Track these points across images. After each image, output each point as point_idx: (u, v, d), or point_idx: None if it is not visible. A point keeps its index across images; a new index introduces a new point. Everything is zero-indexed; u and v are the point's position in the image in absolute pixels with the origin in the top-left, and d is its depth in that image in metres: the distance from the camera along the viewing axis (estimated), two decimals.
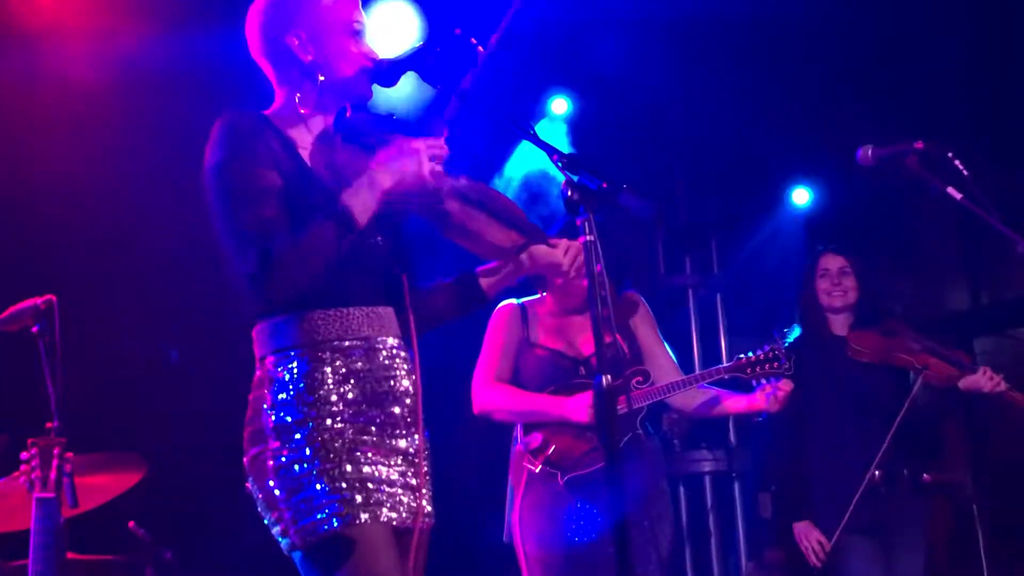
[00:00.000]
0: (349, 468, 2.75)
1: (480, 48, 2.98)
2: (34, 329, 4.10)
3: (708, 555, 7.65)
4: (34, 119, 5.71)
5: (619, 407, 4.42)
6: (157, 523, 4.89)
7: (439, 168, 2.82)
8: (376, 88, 2.99)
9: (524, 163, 7.16)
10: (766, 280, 7.81)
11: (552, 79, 7.49)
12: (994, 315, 8.37)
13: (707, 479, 7.77)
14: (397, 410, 2.88)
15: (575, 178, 2.83)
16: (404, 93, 4.71)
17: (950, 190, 3.92)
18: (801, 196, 8.16)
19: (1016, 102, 7.23)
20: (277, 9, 2.93)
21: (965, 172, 3.87)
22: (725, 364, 4.83)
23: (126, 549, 4.82)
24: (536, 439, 4.66)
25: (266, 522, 2.82)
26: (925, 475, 5.18)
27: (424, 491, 2.89)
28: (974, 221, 3.89)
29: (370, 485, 2.77)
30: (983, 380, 5.01)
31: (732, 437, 7.82)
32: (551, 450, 4.62)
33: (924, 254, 8.46)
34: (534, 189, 6.97)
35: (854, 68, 7.30)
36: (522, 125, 2.98)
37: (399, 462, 2.85)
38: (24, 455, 3.87)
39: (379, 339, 2.88)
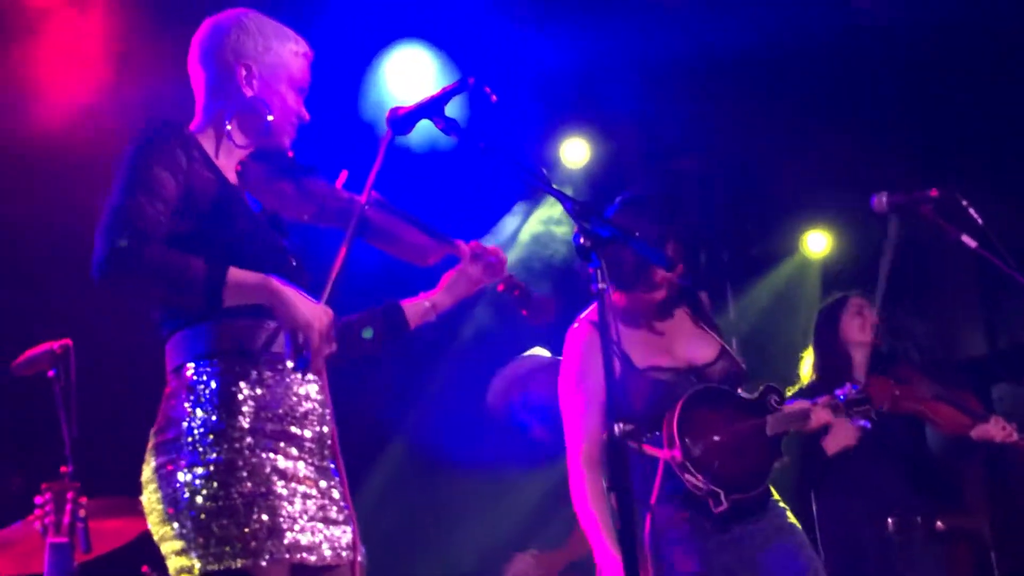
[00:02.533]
0: (263, 499, 2.63)
1: (494, 97, 2.99)
2: (50, 373, 4.13)
3: None
4: (54, 162, 5.75)
5: (767, 430, 4.04)
6: None
7: (326, 343, 2.70)
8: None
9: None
10: (781, 326, 7.81)
11: (567, 124, 7.51)
12: (1011, 361, 8.32)
13: None
14: (309, 434, 2.79)
15: (587, 226, 2.84)
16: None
17: (965, 238, 3.92)
18: (817, 242, 8.15)
19: None
20: (238, 36, 2.97)
21: (979, 220, 3.87)
22: (845, 396, 4.40)
23: None
24: (697, 447, 3.91)
25: (157, 536, 2.70)
26: (939, 522, 5.14)
27: (352, 526, 2.80)
28: (991, 266, 3.88)
29: (282, 519, 2.65)
30: (995, 430, 4.98)
31: None
32: (715, 464, 3.91)
33: (940, 299, 8.43)
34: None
35: (870, 114, 7.31)
36: (535, 173, 3.00)
37: (315, 492, 2.75)
38: (38, 499, 3.88)
39: None
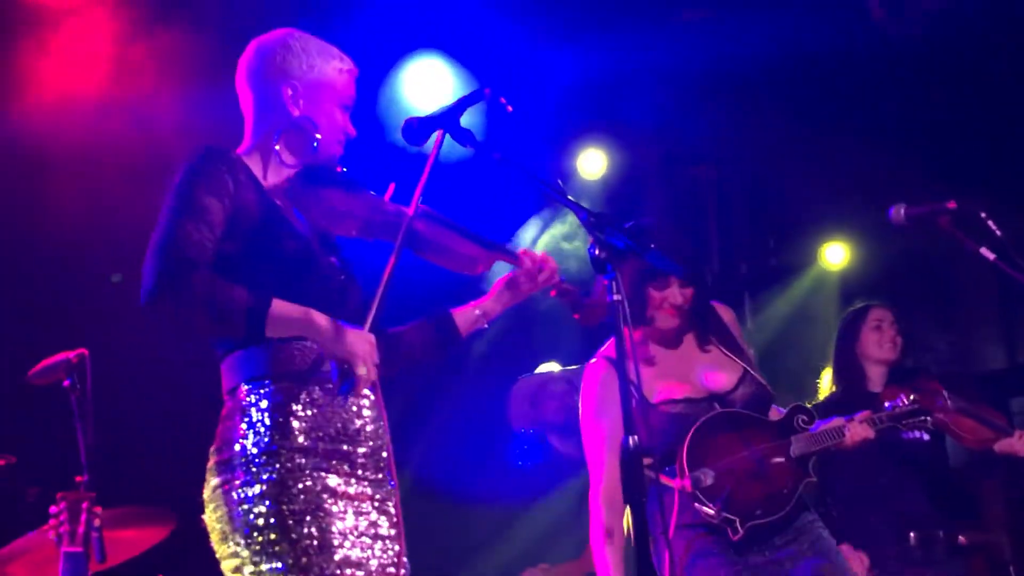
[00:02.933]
0: (314, 517, 2.70)
1: (510, 107, 2.99)
2: (65, 383, 4.13)
3: None
4: (75, 174, 5.77)
5: (791, 451, 3.98)
6: None
7: (371, 369, 2.72)
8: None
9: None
10: (799, 338, 7.78)
11: (584, 135, 7.51)
12: None
13: None
14: (363, 450, 2.83)
15: (602, 237, 2.83)
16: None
17: (983, 251, 3.88)
18: (835, 254, 8.12)
19: None
20: (284, 57, 3.00)
21: (998, 232, 3.84)
22: (891, 411, 4.38)
23: None
24: (708, 476, 3.85)
25: (218, 555, 2.76)
26: (961, 537, 5.10)
27: (399, 543, 2.83)
28: (1010, 278, 3.85)
29: (333, 535, 2.71)
30: (1019, 444, 4.94)
31: None
32: (727, 492, 3.85)
33: (960, 311, 8.39)
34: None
35: (888, 125, 7.29)
36: (550, 184, 2.99)
37: (369, 508, 2.80)
38: (53, 509, 3.88)
39: None
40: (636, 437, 2.76)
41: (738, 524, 3.81)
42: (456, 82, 6.63)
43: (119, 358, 5.19)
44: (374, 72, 6.54)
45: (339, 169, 3.03)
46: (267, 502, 2.68)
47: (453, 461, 6.76)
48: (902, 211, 4.08)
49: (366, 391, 2.84)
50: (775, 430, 4.05)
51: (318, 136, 2.98)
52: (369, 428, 2.86)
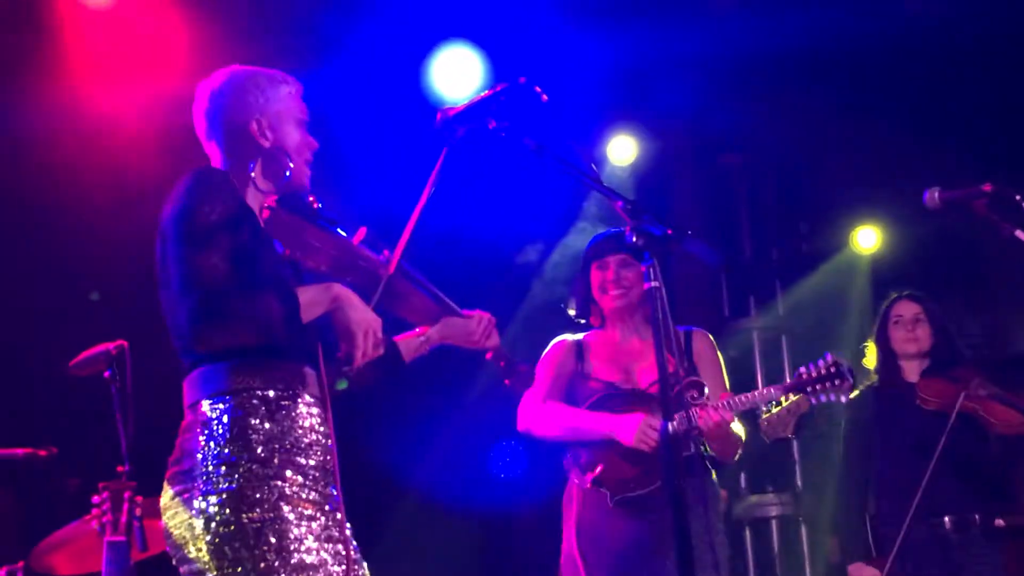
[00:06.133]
0: (271, 524, 2.83)
1: (544, 96, 3.01)
2: (106, 374, 4.18)
3: None
4: (109, 167, 5.81)
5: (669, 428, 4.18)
6: None
7: (373, 347, 2.97)
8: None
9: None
10: (831, 322, 7.76)
11: (614, 122, 7.50)
12: None
13: (774, 523, 7.70)
14: (313, 462, 2.97)
15: (639, 224, 2.84)
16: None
17: (1019, 233, 3.86)
18: (867, 237, 8.10)
19: None
20: (239, 95, 3.14)
21: None
22: (787, 382, 4.50)
23: None
24: (584, 455, 4.46)
25: (175, 559, 2.90)
26: (998, 520, 5.09)
27: (351, 543, 2.98)
28: None
29: (290, 541, 2.84)
30: None
31: (799, 481, 7.76)
32: (599, 469, 4.40)
33: (994, 294, 8.35)
34: None
35: (921, 107, 7.25)
36: (587, 171, 3.01)
37: (320, 515, 2.94)
38: (95, 499, 3.92)
39: (302, 395, 2.99)
40: (675, 423, 2.78)
41: (608, 498, 4.33)
42: (486, 72, 6.65)
43: (159, 349, 5.23)
44: (406, 63, 6.56)
45: (315, 205, 3.17)
46: (227, 511, 2.81)
47: (458, 480, 6.82)
48: (936, 195, 4.05)
49: (315, 411, 3.00)
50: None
51: (291, 164, 3.12)
52: (320, 443, 3.00)
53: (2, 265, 5.70)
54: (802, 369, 4.48)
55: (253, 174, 3.11)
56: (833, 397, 4.43)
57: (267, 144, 3.11)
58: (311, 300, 2.94)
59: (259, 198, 3.12)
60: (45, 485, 5.09)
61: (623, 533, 4.33)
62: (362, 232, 3.15)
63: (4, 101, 5.65)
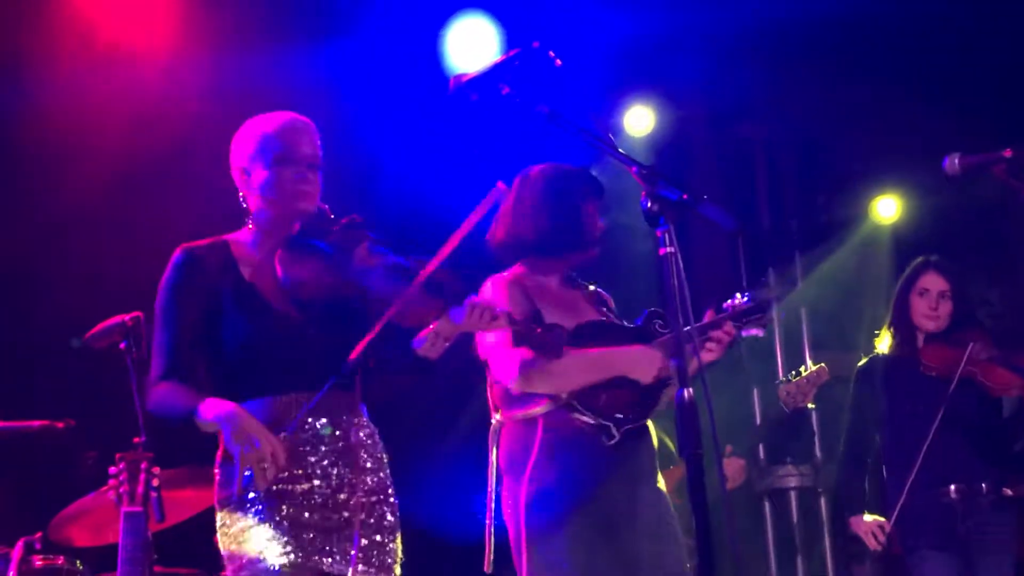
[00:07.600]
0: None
1: (558, 61, 2.99)
2: (122, 345, 4.19)
3: (794, 572, 7.56)
4: (122, 139, 5.80)
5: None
6: None
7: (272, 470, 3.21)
8: None
9: None
10: (851, 293, 7.72)
11: (631, 92, 7.46)
12: None
13: (793, 494, 7.69)
14: (318, 483, 3.30)
15: (654, 190, 2.82)
16: None
17: None
18: (887, 207, 8.04)
19: None
20: (234, 146, 3.48)
21: None
22: (724, 314, 4.25)
23: (213, 562, 4.86)
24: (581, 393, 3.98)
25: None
26: (1006, 489, 5.06)
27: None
28: None
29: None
30: None
31: (818, 452, 7.73)
32: (602, 399, 3.97)
33: (1014, 262, 8.29)
34: None
35: (940, 75, 7.19)
36: (602, 138, 2.98)
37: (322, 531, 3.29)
38: (112, 470, 3.91)
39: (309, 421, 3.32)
40: (691, 391, 2.76)
41: (613, 429, 3.96)
42: (502, 43, 6.62)
43: None
44: (421, 34, 6.53)
45: (318, 240, 3.36)
46: (252, 529, 3.31)
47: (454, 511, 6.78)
48: (956, 160, 4.00)
49: (323, 436, 3.31)
50: (633, 335, 4.10)
51: (275, 208, 3.39)
52: (321, 467, 3.32)
53: (17, 237, 5.71)
54: (726, 303, 4.33)
55: (250, 225, 3.46)
56: (755, 331, 4.34)
57: (246, 190, 3.44)
58: (204, 423, 3.27)
59: (265, 241, 3.41)
60: (62, 457, 5.10)
61: (611, 466, 3.98)
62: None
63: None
